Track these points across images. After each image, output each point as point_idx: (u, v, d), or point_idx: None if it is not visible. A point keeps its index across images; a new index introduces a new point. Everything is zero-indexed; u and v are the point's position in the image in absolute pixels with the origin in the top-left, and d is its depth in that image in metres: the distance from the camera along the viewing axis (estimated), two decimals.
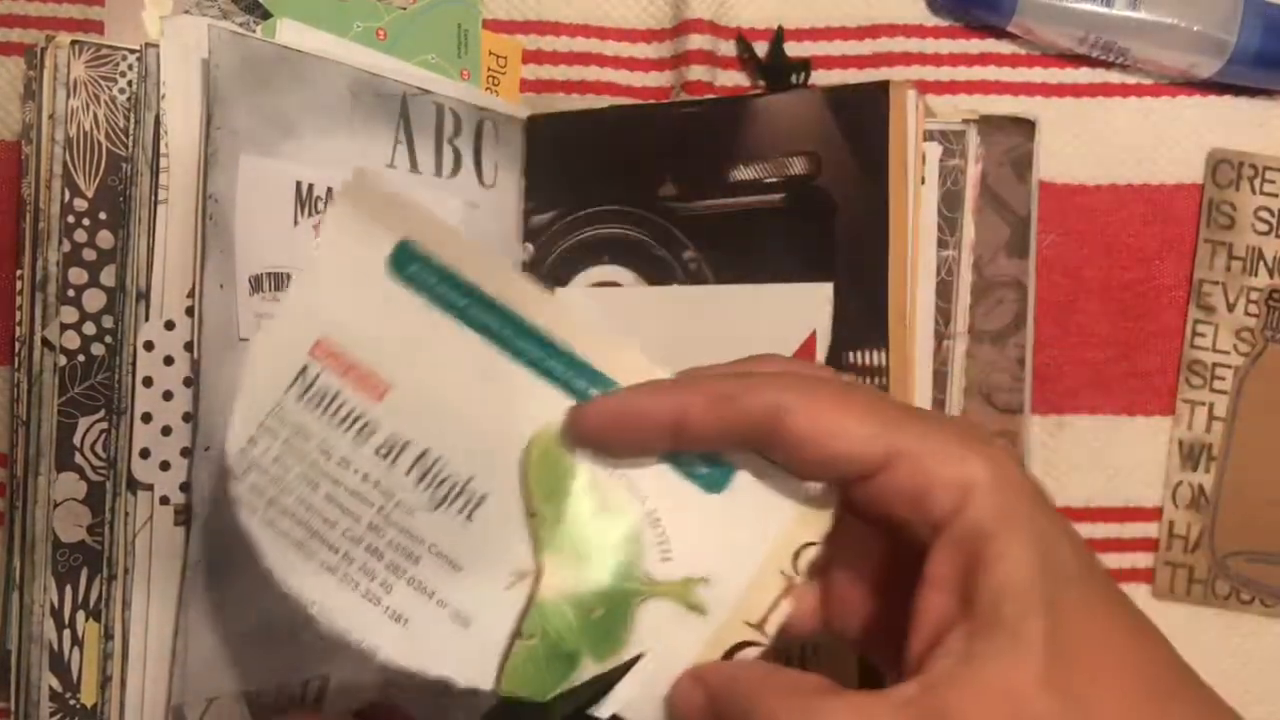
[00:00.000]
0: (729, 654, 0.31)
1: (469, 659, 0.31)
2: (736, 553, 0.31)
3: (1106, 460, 0.48)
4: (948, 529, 0.27)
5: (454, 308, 0.32)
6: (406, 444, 0.32)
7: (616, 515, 0.31)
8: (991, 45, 0.49)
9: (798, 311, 0.43)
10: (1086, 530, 0.48)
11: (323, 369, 0.33)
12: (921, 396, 0.44)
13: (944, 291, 0.45)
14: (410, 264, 0.32)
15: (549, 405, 0.31)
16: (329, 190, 0.42)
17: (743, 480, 0.31)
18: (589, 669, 0.31)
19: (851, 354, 0.43)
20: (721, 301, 0.45)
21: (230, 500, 0.32)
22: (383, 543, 0.32)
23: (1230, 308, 0.48)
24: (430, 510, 0.32)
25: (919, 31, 0.50)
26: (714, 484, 0.31)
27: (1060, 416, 0.49)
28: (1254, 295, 0.48)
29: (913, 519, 0.28)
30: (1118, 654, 0.27)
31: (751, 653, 0.31)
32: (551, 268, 0.47)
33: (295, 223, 0.41)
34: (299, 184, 0.41)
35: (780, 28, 0.49)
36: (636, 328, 0.46)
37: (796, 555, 0.31)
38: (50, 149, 0.41)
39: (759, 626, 0.31)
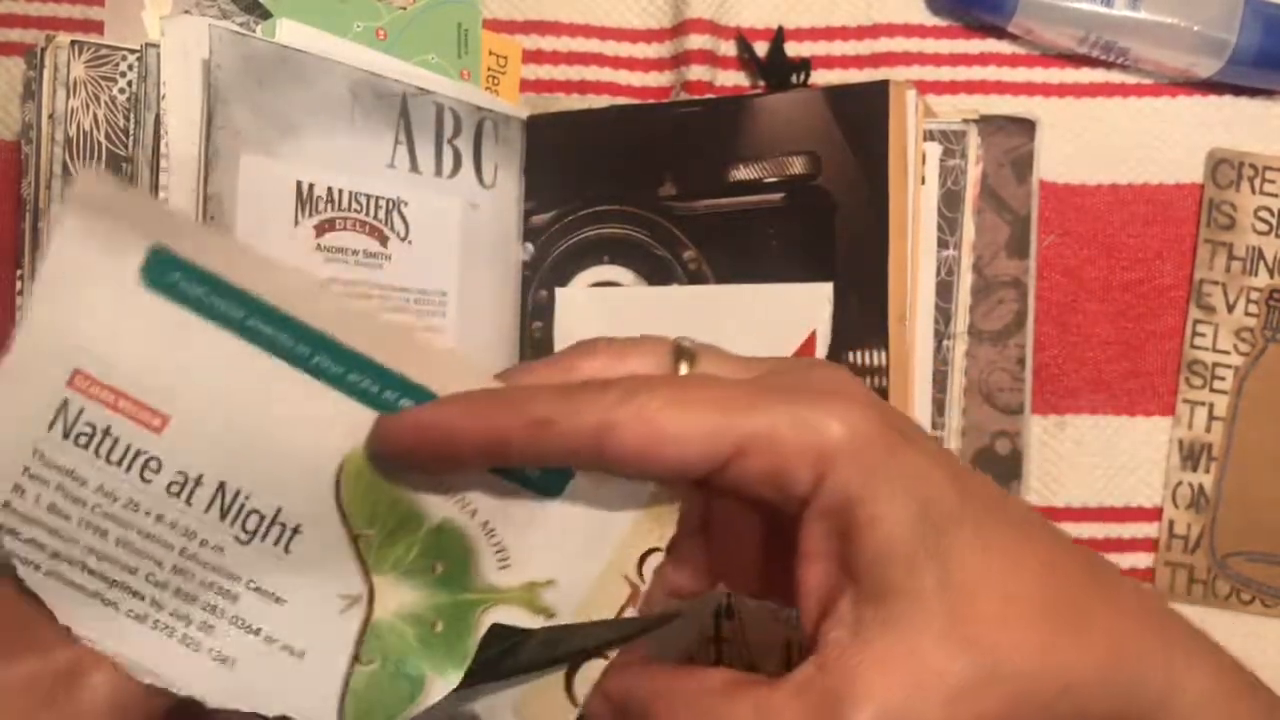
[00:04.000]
0: (581, 656, 0.30)
1: (307, 692, 0.29)
2: (579, 558, 0.29)
3: (1107, 460, 0.48)
4: (814, 502, 0.26)
5: (230, 321, 0.28)
6: (200, 478, 0.28)
7: (447, 530, 0.29)
8: (992, 45, 0.49)
9: (798, 311, 0.43)
10: (1087, 530, 0.48)
11: (86, 403, 0.28)
12: (921, 396, 0.44)
13: (944, 291, 0.45)
14: (169, 273, 0.28)
15: (357, 423, 0.28)
16: (328, 190, 0.42)
17: (581, 484, 0.29)
18: (437, 687, 0.29)
19: (851, 354, 0.43)
20: (721, 301, 0.45)
21: (6, 557, 0.29)
22: (193, 585, 0.29)
23: (1230, 308, 0.48)
24: (241, 545, 0.29)
25: (919, 31, 0.49)
26: (549, 489, 0.29)
27: (1060, 416, 0.48)
28: (1254, 295, 0.48)
29: (776, 499, 0.27)
30: (1021, 589, 0.26)
31: (600, 660, 0.30)
32: (551, 268, 0.47)
33: (295, 223, 0.41)
34: (299, 184, 0.41)
35: (780, 28, 0.49)
36: (636, 328, 0.46)
37: (641, 561, 0.29)
38: (50, 149, 0.41)
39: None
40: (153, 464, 0.28)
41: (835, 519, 0.26)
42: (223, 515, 0.29)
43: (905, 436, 0.27)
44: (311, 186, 0.41)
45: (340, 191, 0.42)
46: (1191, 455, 0.48)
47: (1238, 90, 0.49)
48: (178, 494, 0.28)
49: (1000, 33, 0.49)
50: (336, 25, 0.44)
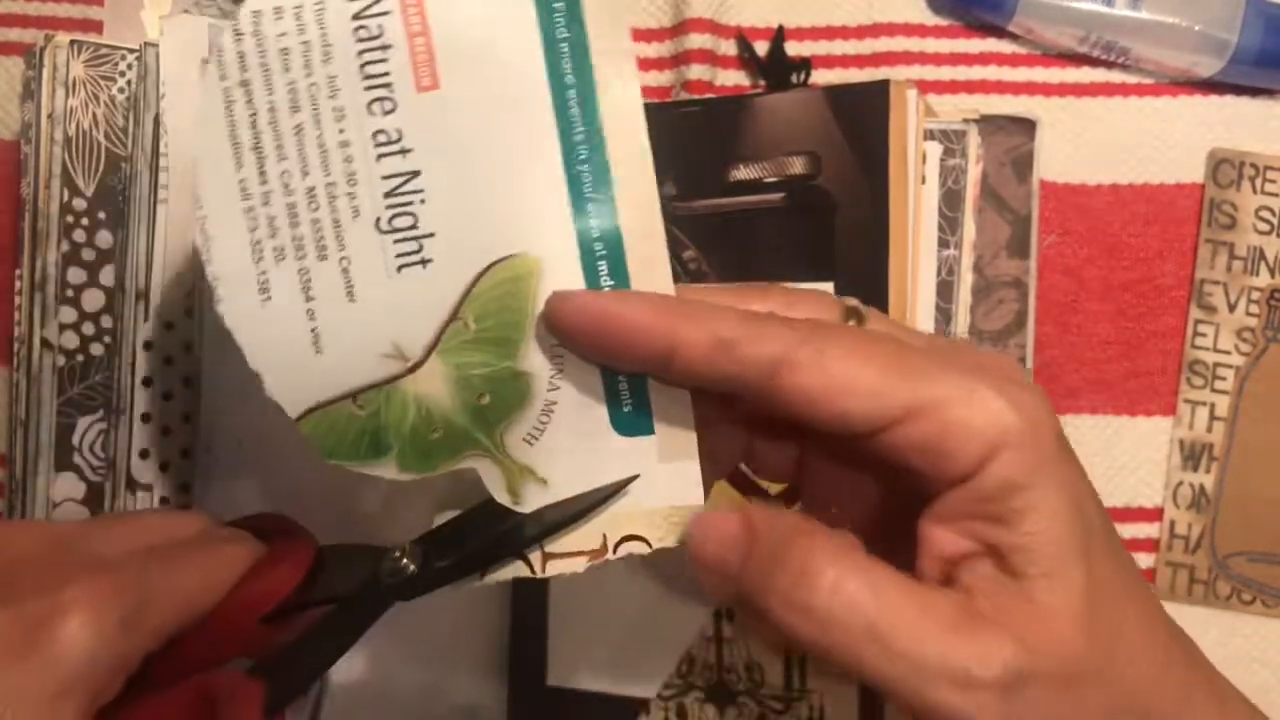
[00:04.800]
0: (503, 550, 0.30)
1: (295, 384, 0.28)
2: (587, 488, 0.29)
3: (1107, 460, 0.48)
4: (971, 482, 0.26)
5: (551, 77, 0.28)
6: (406, 153, 0.27)
7: (523, 379, 0.29)
8: (992, 45, 0.49)
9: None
10: None
11: (396, 14, 0.27)
12: None
13: (944, 291, 0.45)
14: None
15: (556, 238, 0.28)
16: None
17: (649, 445, 0.29)
18: (388, 468, 0.29)
19: None
20: None
21: (212, 50, 0.28)
22: (306, 213, 0.27)
23: (1231, 308, 0.48)
24: (372, 230, 0.28)
25: (919, 31, 0.49)
26: (624, 427, 0.29)
27: (1061, 416, 0.48)
28: (1255, 295, 0.48)
29: (925, 470, 0.27)
30: (1135, 607, 0.27)
31: (520, 568, 0.30)
32: None
33: None
34: None
35: (780, 27, 0.49)
36: None
37: (624, 539, 0.30)
38: (49, 148, 0.41)
39: (543, 561, 0.30)
40: (388, 106, 0.27)
41: (988, 501, 0.26)
42: (388, 195, 0.28)
43: (1066, 442, 0.27)
44: None
45: None
46: (1192, 455, 0.48)
47: (1239, 90, 0.49)
48: (378, 144, 0.27)
49: (1001, 32, 0.49)
50: None
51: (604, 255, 0.28)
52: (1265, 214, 0.48)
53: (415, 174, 0.28)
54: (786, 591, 0.26)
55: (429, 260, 0.28)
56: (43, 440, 0.40)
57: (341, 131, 0.27)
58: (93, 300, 0.40)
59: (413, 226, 0.28)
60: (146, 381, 0.39)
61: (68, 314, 0.40)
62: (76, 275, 0.40)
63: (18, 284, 0.42)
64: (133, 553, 0.29)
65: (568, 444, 0.29)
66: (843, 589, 0.26)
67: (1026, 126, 0.46)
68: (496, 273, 0.28)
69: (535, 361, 0.29)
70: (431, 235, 0.28)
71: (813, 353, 0.26)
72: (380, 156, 0.27)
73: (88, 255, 0.41)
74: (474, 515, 0.30)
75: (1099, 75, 0.49)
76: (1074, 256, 0.49)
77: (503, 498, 0.30)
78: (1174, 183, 0.49)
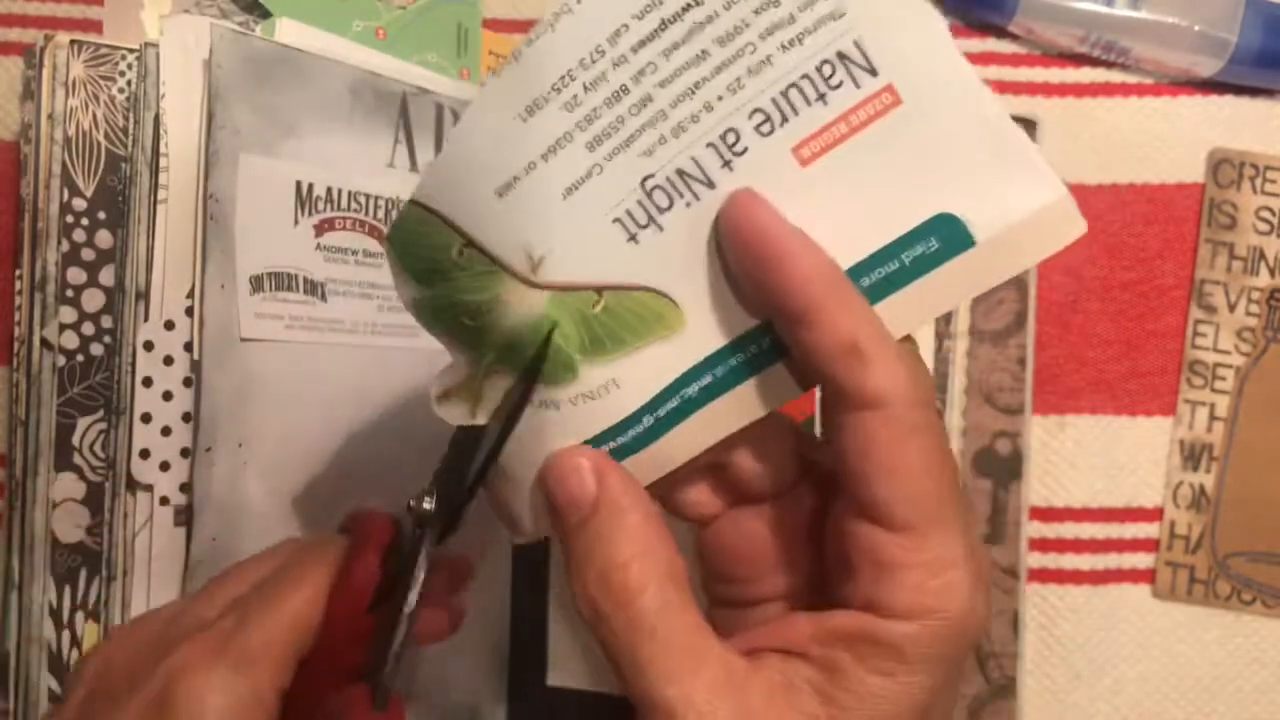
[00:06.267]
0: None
1: (458, 184, 0.27)
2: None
3: (1107, 460, 0.48)
4: (880, 621, 0.27)
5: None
6: (726, 166, 0.27)
7: (570, 371, 0.28)
8: (992, 45, 0.49)
9: None
10: (1087, 530, 0.48)
11: (855, 95, 0.26)
12: None
13: None
14: None
15: (710, 323, 0.28)
16: (328, 190, 0.42)
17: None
18: (410, 293, 0.28)
19: None
20: None
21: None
22: (620, 106, 0.26)
23: (1231, 308, 0.48)
24: (638, 178, 0.27)
25: None
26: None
27: (1061, 417, 0.48)
28: (1255, 295, 0.48)
29: (865, 601, 0.27)
30: None
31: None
32: None
33: (295, 222, 0.41)
34: (299, 184, 0.41)
35: None
36: None
37: None
38: (49, 148, 0.41)
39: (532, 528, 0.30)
40: (764, 129, 0.26)
41: (868, 638, 0.27)
42: (678, 173, 0.27)
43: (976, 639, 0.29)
44: (311, 186, 0.41)
45: (339, 191, 0.42)
46: (1192, 455, 0.48)
47: (1239, 90, 0.49)
48: (719, 138, 0.27)
49: (1001, 32, 0.49)
50: (336, 25, 0.44)
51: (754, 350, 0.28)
52: (1265, 214, 0.48)
53: (711, 186, 0.27)
54: (595, 577, 0.27)
55: (637, 242, 0.27)
56: (43, 440, 0.40)
57: (720, 98, 0.26)
58: (93, 300, 0.40)
59: (662, 211, 0.27)
60: (146, 381, 0.39)
61: (68, 314, 0.40)
62: (76, 275, 0.40)
63: (18, 284, 0.42)
64: (231, 601, 0.30)
65: (545, 444, 0.29)
66: (636, 602, 0.27)
67: (1027, 126, 0.46)
68: (652, 299, 0.28)
69: (592, 377, 0.28)
70: (661, 230, 0.27)
71: (903, 431, 0.26)
72: (709, 145, 0.27)
73: (88, 255, 0.41)
74: (458, 446, 0.30)
75: (1099, 75, 0.49)
76: (1074, 256, 0.49)
77: (437, 394, 0.29)
78: (1174, 183, 0.49)
